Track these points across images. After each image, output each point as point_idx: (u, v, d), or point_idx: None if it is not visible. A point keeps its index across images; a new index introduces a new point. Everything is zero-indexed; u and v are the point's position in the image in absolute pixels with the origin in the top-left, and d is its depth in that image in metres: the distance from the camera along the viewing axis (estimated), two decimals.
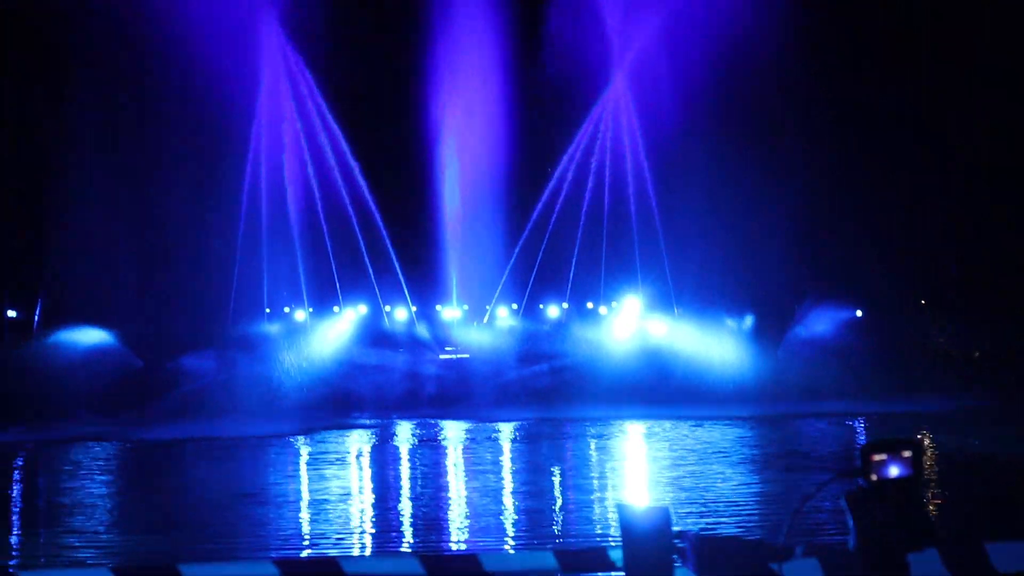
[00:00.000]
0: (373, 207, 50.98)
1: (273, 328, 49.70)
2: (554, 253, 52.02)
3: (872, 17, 51.10)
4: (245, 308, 49.36)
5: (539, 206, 51.64)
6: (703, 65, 47.03)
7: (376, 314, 52.72)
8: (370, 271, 51.42)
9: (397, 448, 32.30)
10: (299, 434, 35.26)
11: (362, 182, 50.91)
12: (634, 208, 51.24)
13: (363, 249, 51.03)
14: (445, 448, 32.06)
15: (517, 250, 51.89)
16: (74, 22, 44.02)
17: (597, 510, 19.88)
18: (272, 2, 49.47)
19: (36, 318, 51.51)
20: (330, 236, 50.70)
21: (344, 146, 50.96)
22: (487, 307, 52.99)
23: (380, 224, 51.03)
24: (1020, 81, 51.44)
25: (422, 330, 52.29)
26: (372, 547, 16.98)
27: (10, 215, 48.94)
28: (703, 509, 19.05)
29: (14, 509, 22.62)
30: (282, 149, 50.47)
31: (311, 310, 52.07)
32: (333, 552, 16.28)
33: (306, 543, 17.21)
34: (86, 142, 45.86)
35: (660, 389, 42.61)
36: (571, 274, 52.25)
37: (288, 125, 50.63)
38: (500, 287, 52.41)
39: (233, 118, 47.83)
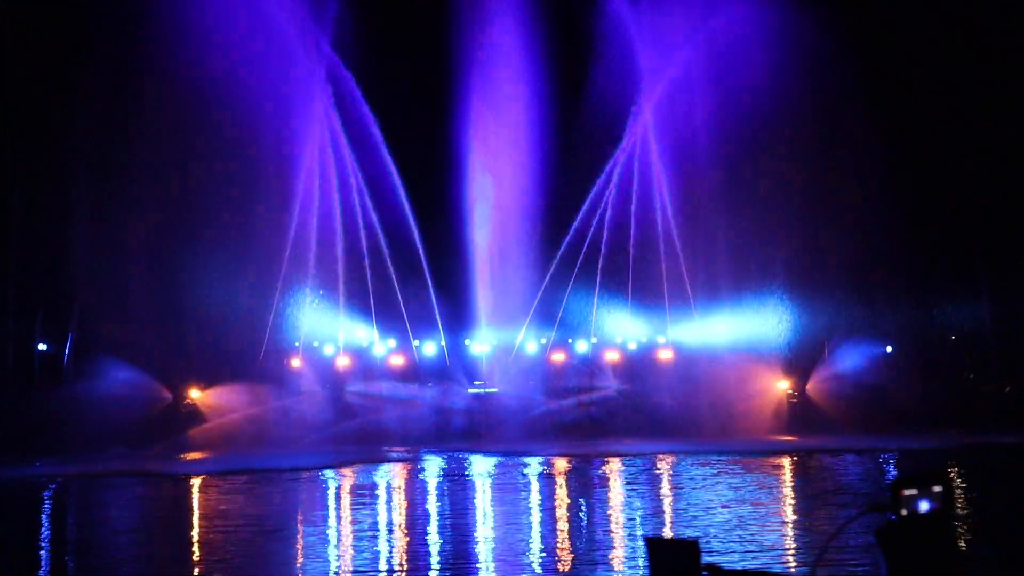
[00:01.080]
0: (418, 240, 51.08)
1: (303, 362, 49.60)
2: (583, 287, 51.86)
3: (907, 52, 50.84)
4: (276, 343, 49.31)
5: (567, 238, 51.49)
6: (738, 100, 46.92)
7: (406, 348, 52.61)
8: (402, 305, 51.35)
9: (426, 482, 32.19)
10: (328, 468, 35.20)
11: (406, 211, 51.01)
12: (663, 245, 51.01)
13: (395, 283, 50.95)
14: (473, 482, 31.92)
15: (545, 283, 51.74)
16: (108, 65, 44.46)
17: (625, 544, 19.74)
18: (311, 38, 49.79)
19: (66, 351, 51.73)
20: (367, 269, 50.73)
21: (385, 184, 51.04)
22: (516, 341, 52.82)
23: (423, 258, 51.10)
24: None
25: (451, 364, 52.19)
26: None
27: (41, 248, 49.16)
28: (738, 544, 18.84)
29: (42, 542, 22.66)
30: (315, 187, 50.52)
31: (342, 345, 52.02)
32: None
33: None
34: (116, 175, 46.13)
35: (690, 424, 42.36)
36: (594, 307, 52.04)
37: (322, 162, 50.79)
38: (528, 321, 52.25)
39: (267, 155, 47.97)
